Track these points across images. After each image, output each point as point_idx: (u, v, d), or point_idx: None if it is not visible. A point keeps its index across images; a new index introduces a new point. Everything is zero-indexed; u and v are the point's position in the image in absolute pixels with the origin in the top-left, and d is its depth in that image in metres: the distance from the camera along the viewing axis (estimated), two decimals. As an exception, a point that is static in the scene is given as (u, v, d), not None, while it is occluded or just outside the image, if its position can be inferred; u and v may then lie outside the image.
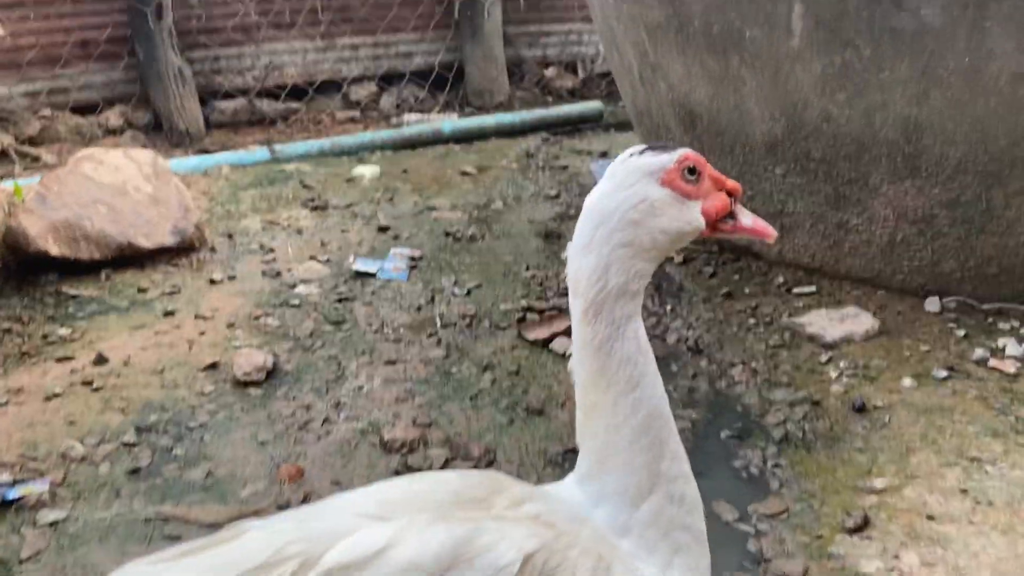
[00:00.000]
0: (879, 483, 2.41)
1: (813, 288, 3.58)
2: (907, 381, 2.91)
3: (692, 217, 1.33)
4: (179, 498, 2.48)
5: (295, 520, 1.29)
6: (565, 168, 5.70)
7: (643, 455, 1.31)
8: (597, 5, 4.13)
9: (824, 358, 3.09)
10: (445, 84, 7.39)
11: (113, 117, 6.66)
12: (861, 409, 2.77)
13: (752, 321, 3.40)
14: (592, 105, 6.95)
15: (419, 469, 2.57)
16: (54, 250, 3.82)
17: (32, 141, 6.34)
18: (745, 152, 3.58)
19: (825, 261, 3.61)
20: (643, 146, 1.36)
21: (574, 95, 7.56)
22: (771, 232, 1.41)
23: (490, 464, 2.60)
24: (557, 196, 5.07)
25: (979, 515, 2.28)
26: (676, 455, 1.37)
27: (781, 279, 3.68)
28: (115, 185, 4.15)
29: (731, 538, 2.26)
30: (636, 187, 1.31)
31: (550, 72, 7.68)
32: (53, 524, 2.34)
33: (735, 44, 3.31)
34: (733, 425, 2.79)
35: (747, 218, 1.40)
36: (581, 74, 7.73)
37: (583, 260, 1.32)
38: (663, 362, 3.15)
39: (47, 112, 6.49)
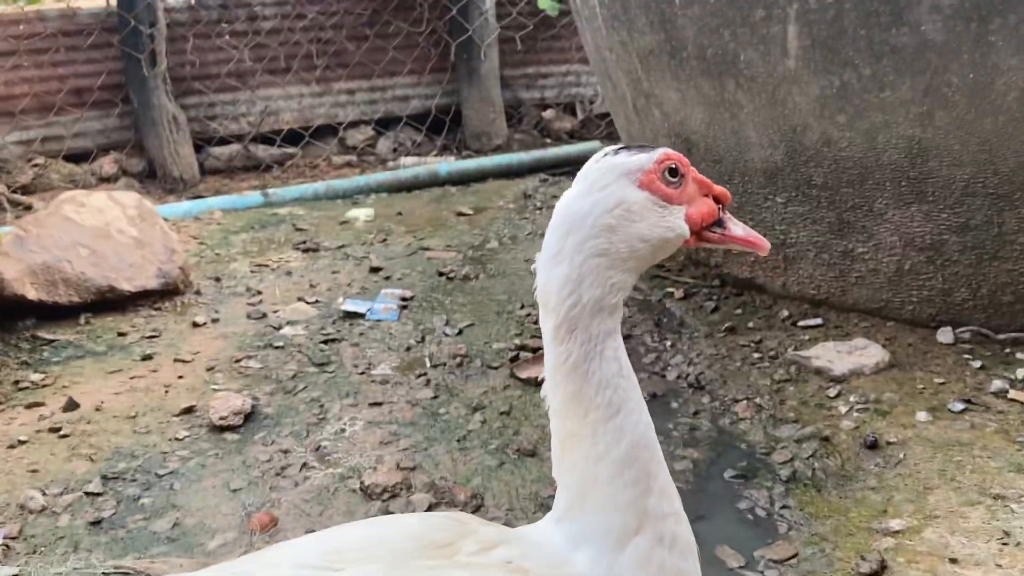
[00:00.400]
0: (896, 524, 2.22)
1: (819, 321, 3.42)
2: (922, 415, 2.73)
3: (675, 223, 1.21)
4: (142, 551, 2.31)
5: (230, 571, 1.13)
6: (563, 207, 5.58)
7: (628, 490, 1.16)
8: (589, 36, 4.05)
9: (833, 392, 2.92)
10: (442, 127, 7.33)
11: (107, 164, 6.61)
12: (873, 445, 2.59)
13: (756, 356, 3.24)
14: (591, 145, 6.85)
15: (400, 516, 2.39)
16: (31, 294, 3.69)
17: (25, 189, 6.27)
18: (744, 180, 3.45)
19: (831, 292, 3.45)
20: (619, 145, 1.24)
21: (573, 136, 7.49)
22: (764, 244, 1.28)
23: (477, 510, 2.42)
24: (554, 234, 4.94)
25: (1006, 557, 2.10)
26: (665, 490, 1.22)
27: (786, 312, 3.53)
28: (97, 228, 4.04)
29: (736, 587, 2.08)
30: (611, 189, 1.18)
31: (548, 114, 7.61)
32: (4, 580, 2.18)
33: (730, 67, 3.20)
34: (737, 464, 2.61)
35: (737, 227, 1.28)
36: (580, 115, 7.66)
37: (553, 271, 1.18)
38: (663, 399, 2.98)
39: (40, 160, 6.43)
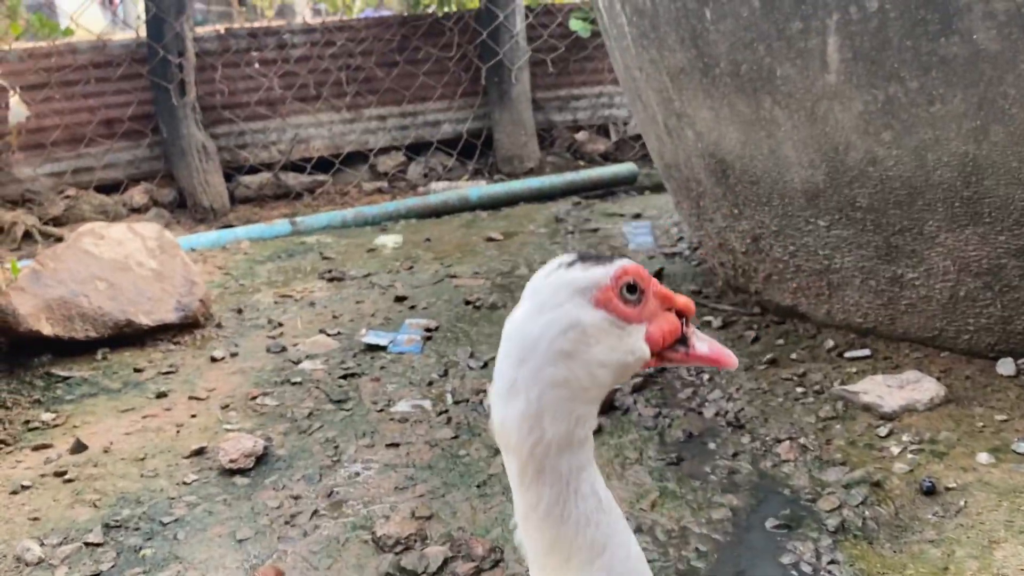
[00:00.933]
0: (959, 584, 2.00)
1: (867, 352, 3.20)
2: (983, 456, 2.49)
3: (634, 345, 1.08)
4: (138, 608, 2.16)
5: None
6: (596, 231, 5.41)
7: (593, 530, 1.06)
8: (618, 55, 3.89)
9: (883, 431, 2.69)
10: (474, 152, 7.22)
11: (138, 195, 6.59)
12: (931, 491, 2.36)
13: (800, 390, 3.02)
14: (625, 167, 6.69)
15: (413, 571, 2.22)
16: (47, 330, 3.61)
17: (56, 221, 6.26)
18: (784, 203, 3.25)
19: (879, 321, 3.23)
20: (572, 256, 1.10)
21: (607, 158, 7.33)
22: (731, 360, 1.17)
23: (496, 565, 2.24)
24: (586, 260, 4.76)
25: (1087, 624, 1.86)
26: None
27: (831, 343, 3.31)
28: (116, 260, 3.96)
29: (780, 655, 1.87)
30: (565, 308, 1.04)
31: (581, 136, 7.46)
32: (-10, 642, 2.04)
33: (766, 83, 3.01)
34: (780, 512, 2.40)
35: (703, 344, 1.16)
36: (614, 137, 7.50)
37: (509, 407, 1.04)
38: (699, 440, 2.79)
39: (72, 192, 6.44)
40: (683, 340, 1.15)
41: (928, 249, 2.96)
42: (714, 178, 3.49)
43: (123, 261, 3.97)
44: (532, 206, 6.25)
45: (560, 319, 1.03)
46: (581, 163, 7.31)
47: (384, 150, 7.15)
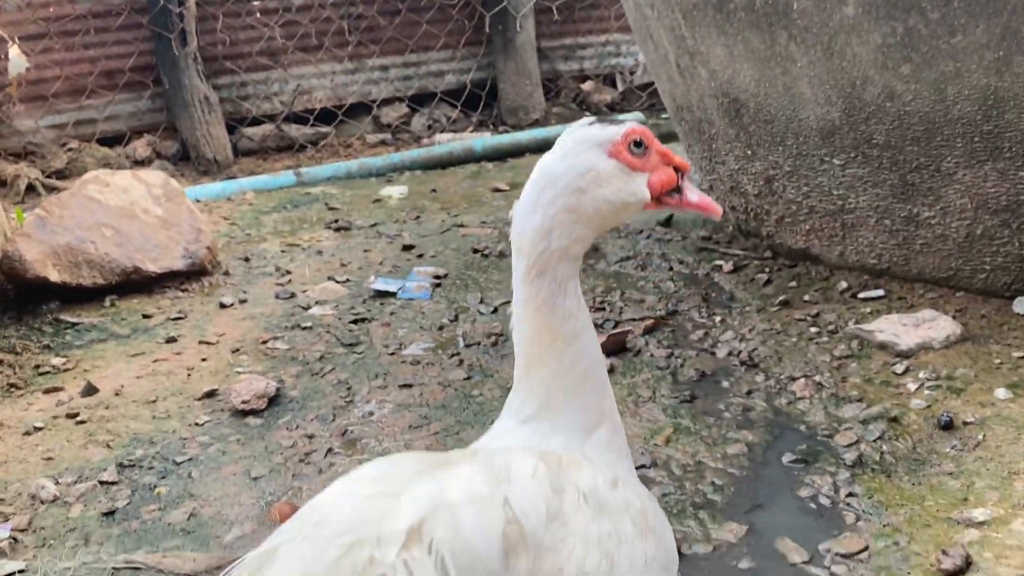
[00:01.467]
0: (979, 514, 1.99)
1: (881, 292, 3.17)
2: (1001, 392, 2.48)
3: (637, 189, 1.37)
4: (155, 543, 2.16)
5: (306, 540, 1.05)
6: (603, 180, 5.35)
7: (590, 397, 1.41)
8: (628, -5, 3.81)
9: (900, 369, 2.67)
10: (478, 103, 7.13)
11: (141, 147, 6.53)
12: (948, 426, 2.35)
13: (814, 330, 3.00)
14: (632, 117, 6.60)
15: (429, 505, 2.22)
16: (54, 276, 3.58)
17: (60, 174, 6.21)
18: (799, 142, 3.20)
19: (894, 261, 3.19)
20: (593, 118, 1.39)
21: (613, 109, 7.23)
22: (717, 208, 1.44)
23: (512, 498, 2.23)
24: (595, 208, 4.72)
25: (1108, 551, 1.85)
26: (610, 392, 1.47)
27: (844, 284, 3.28)
28: (122, 208, 3.92)
29: (800, 584, 1.86)
30: (584, 156, 1.34)
31: (587, 86, 7.36)
32: (9, 576, 2.05)
33: (781, 18, 2.95)
34: (796, 448, 2.39)
35: (693, 194, 1.43)
36: (620, 87, 7.40)
37: (528, 220, 1.35)
38: (712, 378, 2.77)
39: (74, 144, 6.38)
40: (678, 190, 1.41)
41: (945, 187, 2.91)
42: (727, 118, 3.44)
43: (129, 208, 3.93)
44: (538, 157, 6.16)
45: (580, 164, 1.32)
46: (587, 114, 7.22)
47: (387, 101, 7.06)
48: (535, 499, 1.12)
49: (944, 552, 1.84)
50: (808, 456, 2.34)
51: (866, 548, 1.95)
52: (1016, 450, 2.21)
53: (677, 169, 1.41)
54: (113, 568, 2.05)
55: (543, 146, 6.27)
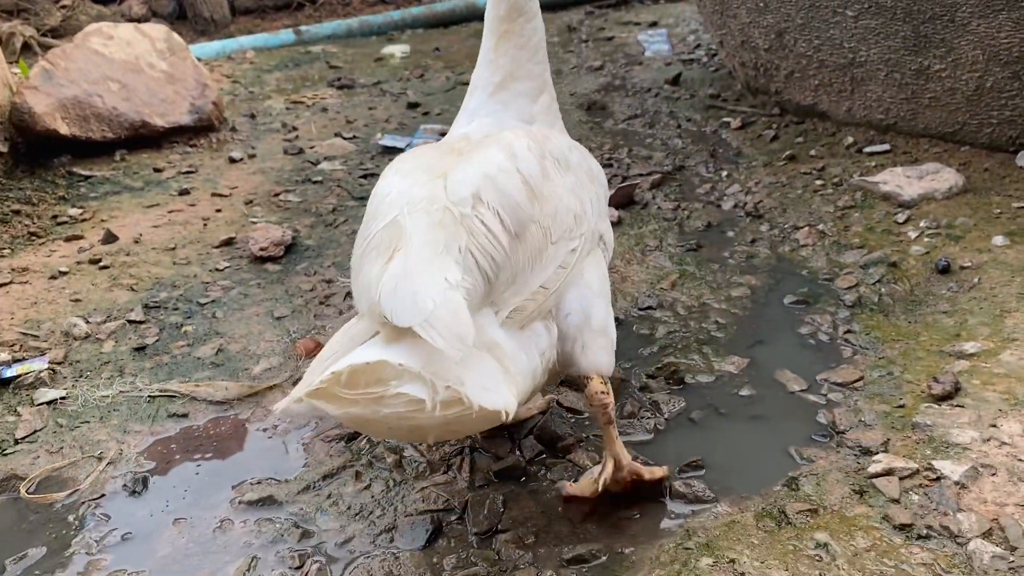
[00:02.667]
0: (970, 347, 2.09)
1: (887, 147, 3.20)
2: (998, 239, 2.55)
3: None
4: (187, 375, 2.28)
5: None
6: (610, 39, 5.28)
7: (539, 66, 1.83)
8: None
9: (901, 218, 2.74)
10: (481, -41, 6.91)
11: (136, 5, 6.39)
12: (946, 270, 2.44)
13: (818, 183, 3.05)
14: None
15: (447, 341, 2.32)
16: (63, 129, 3.59)
17: (54, 32, 6.10)
18: (811, -7, 3.16)
19: (901, 116, 3.21)
20: None
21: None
22: None
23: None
24: (601, 67, 4.68)
25: (1089, 380, 1.96)
26: (548, 65, 1.87)
27: (850, 139, 3.31)
28: (127, 61, 3.89)
29: (798, 409, 1.98)
30: None
31: (593, -57, 7.12)
32: (51, 403, 2.16)
33: None
34: (798, 290, 2.48)
35: None
36: (627, -56, 7.15)
37: None
38: (718, 228, 2.84)
39: (68, 1, 6.24)
40: None
41: (958, 37, 2.90)
42: (740, -31, 3.38)
43: (134, 62, 3.90)
44: (544, 15, 6.05)
45: None
46: (593, -28, 7.02)
47: (387, -42, 6.85)
48: (535, 165, 1.56)
49: (935, 379, 1.95)
50: (809, 298, 2.43)
51: (861, 378, 2.06)
52: (1009, 291, 2.30)
53: None
54: (149, 396, 2.17)
55: (549, 4, 6.17)
